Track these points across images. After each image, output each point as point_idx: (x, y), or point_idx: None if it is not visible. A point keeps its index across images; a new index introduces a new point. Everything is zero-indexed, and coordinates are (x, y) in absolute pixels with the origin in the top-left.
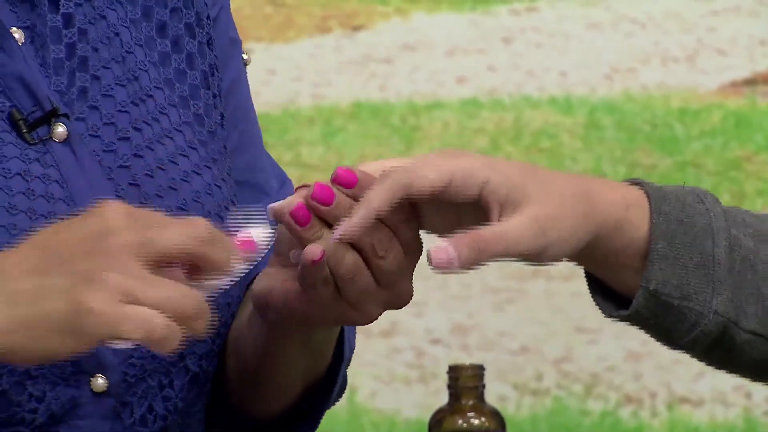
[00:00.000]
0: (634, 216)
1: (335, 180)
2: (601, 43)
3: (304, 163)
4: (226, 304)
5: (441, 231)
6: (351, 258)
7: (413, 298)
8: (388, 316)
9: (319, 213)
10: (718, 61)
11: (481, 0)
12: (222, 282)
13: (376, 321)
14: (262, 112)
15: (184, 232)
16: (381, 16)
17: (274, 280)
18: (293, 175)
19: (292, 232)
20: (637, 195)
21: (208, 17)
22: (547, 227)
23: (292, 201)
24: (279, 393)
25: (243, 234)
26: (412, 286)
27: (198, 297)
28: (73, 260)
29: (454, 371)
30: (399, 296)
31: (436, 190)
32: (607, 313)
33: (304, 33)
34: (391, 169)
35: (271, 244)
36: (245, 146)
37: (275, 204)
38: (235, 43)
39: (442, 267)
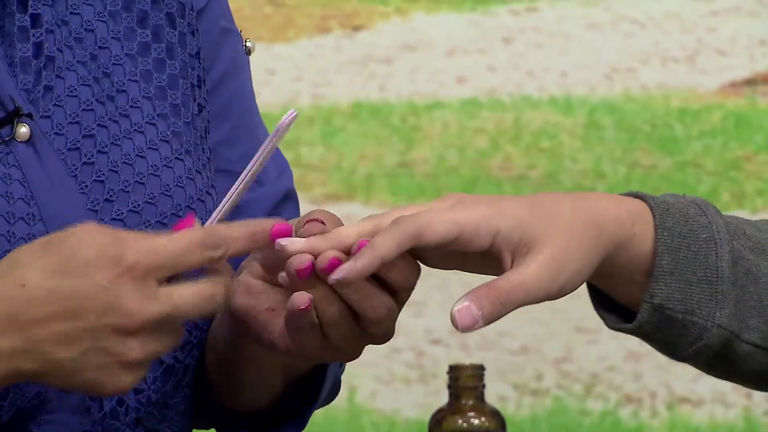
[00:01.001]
0: (640, 230)
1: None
2: (601, 43)
3: (304, 163)
4: None
5: (445, 267)
6: (336, 308)
7: (413, 298)
8: None
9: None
10: (718, 61)
11: (480, 0)
12: None
13: None
14: (262, 112)
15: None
16: (381, 16)
17: (259, 303)
18: (293, 174)
19: (290, 279)
20: (641, 208)
21: (191, 8)
22: (562, 266)
23: (302, 254)
24: (255, 388)
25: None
26: (394, 325)
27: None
28: (100, 334)
29: (454, 371)
30: (382, 337)
31: (444, 243)
32: (611, 325)
33: (304, 33)
34: (401, 218)
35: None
36: (240, 136)
37: (283, 241)
38: (229, 33)
39: (467, 328)
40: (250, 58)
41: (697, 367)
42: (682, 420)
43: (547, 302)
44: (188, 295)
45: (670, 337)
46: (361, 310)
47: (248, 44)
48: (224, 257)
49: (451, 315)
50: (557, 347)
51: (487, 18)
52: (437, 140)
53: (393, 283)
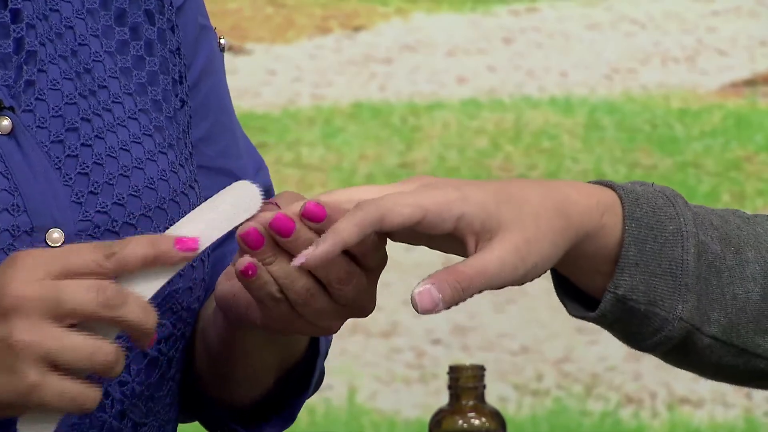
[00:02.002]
0: (608, 221)
1: (303, 214)
2: (601, 43)
3: (304, 163)
4: (188, 288)
5: (411, 243)
6: (303, 283)
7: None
8: (388, 317)
9: (276, 241)
10: (718, 61)
11: (481, 0)
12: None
13: (376, 321)
14: (262, 112)
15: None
16: (381, 16)
17: (237, 283)
18: (293, 175)
19: (242, 250)
20: (611, 199)
21: (170, 4)
22: (526, 254)
23: (246, 223)
24: (247, 384)
25: (187, 232)
26: (374, 298)
27: (109, 348)
28: None
29: (455, 371)
30: (360, 311)
31: (408, 226)
32: (572, 313)
33: (304, 33)
34: (364, 202)
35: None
36: (218, 133)
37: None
38: (206, 30)
39: (427, 311)
40: (251, 58)
41: (656, 356)
42: (683, 420)
43: (547, 302)
44: (76, 286)
45: (632, 327)
46: (320, 275)
47: (222, 41)
48: (119, 262)
49: (411, 297)
50: (557, 348)
51: (488, 18)
52: (437, 140)
53: (354, 252)
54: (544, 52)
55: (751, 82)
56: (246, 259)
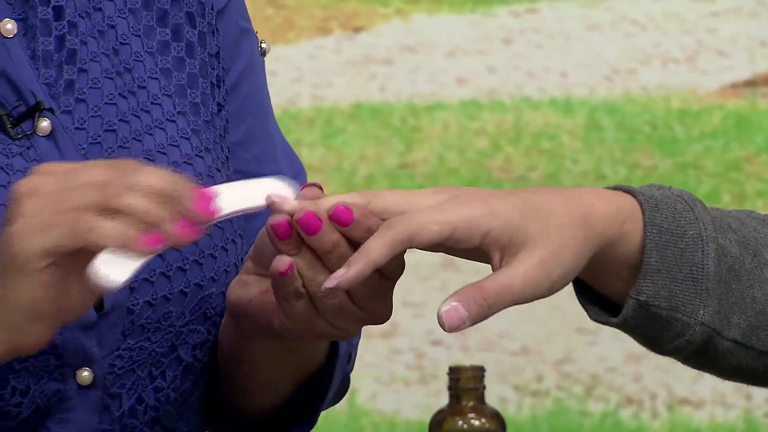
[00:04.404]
0: (629, 228)
1: (332, 217)
2: (601, 43)
3: (304, 164)
4: (221, 293)
5: (435, 251)
6: (325, 277)
7: (413, 299)
8: None
9: (301, 235)
10: (719, 62)
11: (481, 1)
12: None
13: None
14: None
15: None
16: (381, 17)
17: (252, 289)
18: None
19: (270, 240)
20: (631, 205)
21: (212, 7)
22: (551, 267)
23: (287, 209)
24: (262, 393)
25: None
26: (390, 306)
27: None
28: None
29: (455, 372)
30: (376, 316)
31: (436, 243)
32: (594, 318)
33: (304, 34)
34: (392, 220)
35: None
36: (255, 138)
37: (275, 197)
38: (247, 34)
39: (454, 329)
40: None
41: (676, 359)
42: (683, 421)
43: (547, 303)
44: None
45: (653, 332)
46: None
47: (263, 45)
48: (175, 196)
49: (438, 315)
50: (557, 348)
51: (488, 19)
52: (437, 141)
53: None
54: (544, 52)
55: (751, 83)
56: (286, 260)
